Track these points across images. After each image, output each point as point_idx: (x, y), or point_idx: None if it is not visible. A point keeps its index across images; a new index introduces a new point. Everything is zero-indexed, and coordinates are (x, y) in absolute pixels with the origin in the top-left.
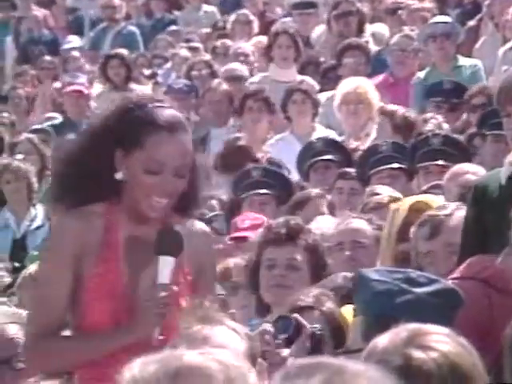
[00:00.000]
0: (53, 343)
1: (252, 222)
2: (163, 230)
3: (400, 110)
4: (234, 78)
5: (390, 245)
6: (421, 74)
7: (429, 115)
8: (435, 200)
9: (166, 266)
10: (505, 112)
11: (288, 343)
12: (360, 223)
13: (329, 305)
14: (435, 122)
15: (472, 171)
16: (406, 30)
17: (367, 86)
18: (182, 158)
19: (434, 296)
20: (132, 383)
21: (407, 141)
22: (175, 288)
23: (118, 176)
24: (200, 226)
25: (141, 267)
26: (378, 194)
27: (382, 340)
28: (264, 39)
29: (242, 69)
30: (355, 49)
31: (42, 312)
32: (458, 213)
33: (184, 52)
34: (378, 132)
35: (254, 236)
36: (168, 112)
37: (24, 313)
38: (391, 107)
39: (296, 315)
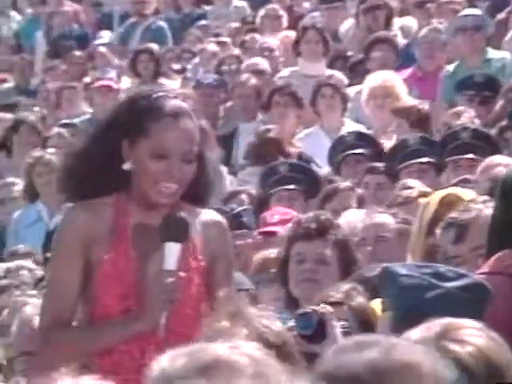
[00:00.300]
0: (64, 334)
1: (281, 216)
2: (168, 217)
3: (413, 105)
4: (256, 73)
5: (420, 238)
6: (450, 68)
7: (461, 109)
8: (466, 193)
9: (171, 252)
10: None
11: (312, 339)
12: (383, 218)
13: (359, 300)
14: (468, 116)
15: (504, 163)
16: (434, 22)
17: (394, 79)
18: (188, 144)
19: (463, 290)
20: (161, 376)
21: (426, 133)
22: (182, 274)
23: (126, 166)
24: (213, 215)
25: (150, 254)
26: (410, 188)
27: (415, 334)
28: (290, 34)
29: (263, 63)
30: (383, 42)
31: (54, 305)
32: (485, 212)
33: (212, 47)
34: (396, 130)
35: (283, 231)
36: (172, 101)
37: None
38: (403, 105)
39: (318, 309)
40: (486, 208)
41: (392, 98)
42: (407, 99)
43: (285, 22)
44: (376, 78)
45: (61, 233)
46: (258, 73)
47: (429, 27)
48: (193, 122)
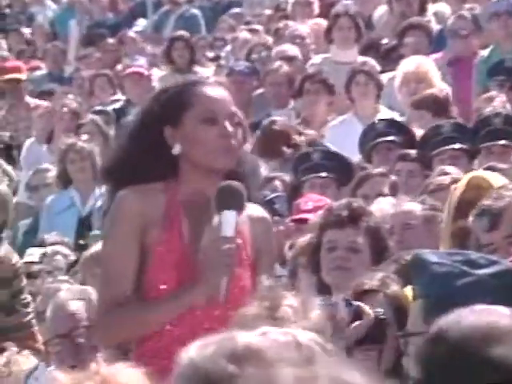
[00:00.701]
0: (121, 314)
1: (315, 203)
2: (223, 186)
3: (430, 94)
4: (286, 59)
5: (448, 222)
6: (484, 53)
7: (493, 94)
8: (493, 176)
9: (228, 219)
10: None
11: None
12: (410, 205)
13: (393, 288)
14: (500, 101)
15: None
16: (464, 9)
17: (428, 64)
18: (230, 105)
19: (494, 277)
20: (190, 365)
21: (449, 119)
22: (239, 241)
23: (175, 150)
24: (258, 210)
25: (202, 234)
26: (447, 174)
27: None
28: (321, 22)
29: (293, 49)
30: (416, 28)
31: (112, 290)
32: None
33: (244, 34)
34: (419, 121)
35: (314, 218)
36: (206, 81)
37: (88, 289)
38: (421, 96)
39: (359, 303)
40: None
41: (425, 84)
42: (440, 85)
43: (316, 8)
44: (409, 64)
45: (116, 217)
46: (289, 59)
47: (455, 15)
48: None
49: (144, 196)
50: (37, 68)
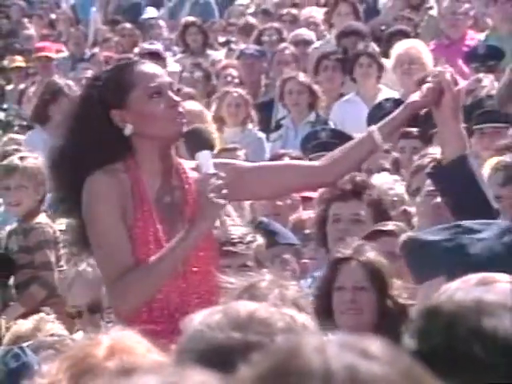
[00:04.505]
0: (139, 270)
1: None
2: (189, 131)
3: (431, 72)
4: (299, 43)
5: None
6: (481, 37)
7: (481, 75)
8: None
9: (205, 158)
10: None
11: None
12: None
13: (369, 255)
14: (489, 80)
15: None
16: None
17: (420, 47)
18: (167, 76)
19: (500, 237)
20: (196, 332)
21: None
22: (223, 174)
23: (128, 131)
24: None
25: (167, 210)
26: (431, 155)
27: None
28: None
29: (308, 34)
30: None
31: (118, 258)
32: None
33: (254, 20)
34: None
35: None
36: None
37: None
38: (424, 74)
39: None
40: None
41: (418, 65)
42: (431, 67)
43: None
44: (402, 46)
45: (96, 199)
46: (303, 42)
47: None
48: None
49: (113, 177)
50: (60, 51)
